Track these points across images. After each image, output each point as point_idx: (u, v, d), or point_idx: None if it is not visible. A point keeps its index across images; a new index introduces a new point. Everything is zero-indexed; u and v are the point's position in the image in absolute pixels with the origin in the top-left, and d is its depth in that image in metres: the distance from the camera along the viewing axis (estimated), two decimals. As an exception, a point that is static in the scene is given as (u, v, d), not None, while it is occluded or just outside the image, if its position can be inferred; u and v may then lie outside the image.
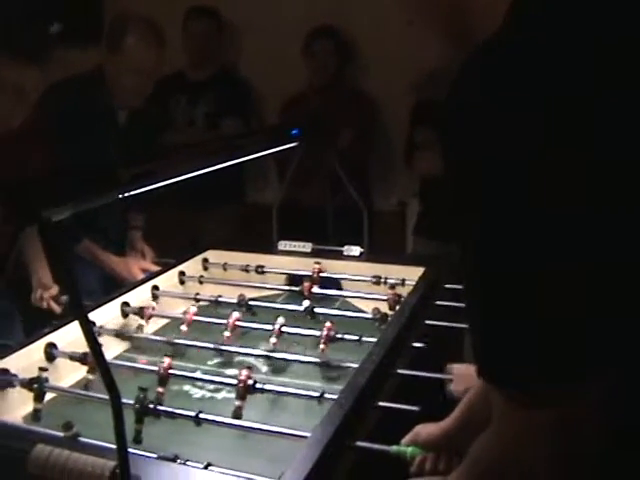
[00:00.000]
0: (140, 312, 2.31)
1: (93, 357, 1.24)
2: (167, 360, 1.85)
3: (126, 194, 1.42)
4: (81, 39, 4.65)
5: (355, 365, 1.83)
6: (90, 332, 1.24)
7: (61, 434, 1.52)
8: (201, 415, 1.61)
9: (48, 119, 2.71)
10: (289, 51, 4.17)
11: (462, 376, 1.76)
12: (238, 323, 2.18)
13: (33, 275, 2.56)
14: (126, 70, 2.79)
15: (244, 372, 1.75)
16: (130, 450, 1.24)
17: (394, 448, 1.48)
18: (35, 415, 1.78)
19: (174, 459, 1.44)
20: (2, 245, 2.08)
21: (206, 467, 1.41)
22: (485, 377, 0.98)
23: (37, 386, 1.78)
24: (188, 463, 1.44)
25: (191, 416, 1.61)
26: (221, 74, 4.27)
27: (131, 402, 1.63)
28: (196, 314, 2.28)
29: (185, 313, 2.32)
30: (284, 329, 2.13)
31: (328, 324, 2.08)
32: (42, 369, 1.83)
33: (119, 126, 2.98)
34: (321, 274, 2.63)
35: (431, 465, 1.45)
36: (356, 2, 4.12)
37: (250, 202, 4.32)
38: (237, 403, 1.72)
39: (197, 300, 2.50)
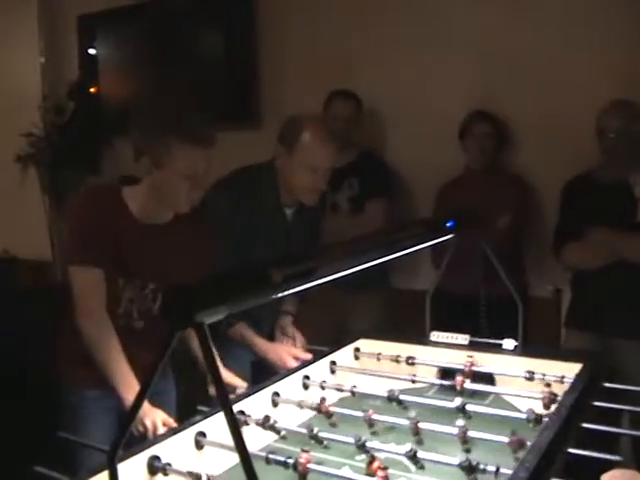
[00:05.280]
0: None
1: (236, 449, 1.23)
2: (305, 456, 1.85)
3: (279, 294, 1.44)
4: (237, 121, 4.87)
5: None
6: (234, 424, 1.25)
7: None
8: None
9: (216, 212, 2.81)
10: (433, 136, 4.20)
11: None
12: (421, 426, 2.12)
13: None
14: (302, 167, 2.82)
15: (380, 472, 1.72)
16: None
17: None
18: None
19: None
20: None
21: None
22: None
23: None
24: None
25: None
26: (363, 157, 4.30)
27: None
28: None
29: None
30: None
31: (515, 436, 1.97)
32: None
33: (287, 224, 3.04)
34: (474, 368, 2.57)
35: None
36: (509, 87, 4.12)
37: (399, 288, 4.30)
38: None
39: (353, 393, 2.48)
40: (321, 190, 2.89)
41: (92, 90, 5.56)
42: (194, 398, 2.43)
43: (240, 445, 1.23)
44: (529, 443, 1.92)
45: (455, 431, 2.05)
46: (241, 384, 2.46)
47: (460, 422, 2.08)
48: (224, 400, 1.30)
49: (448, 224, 2.30)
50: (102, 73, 5.68)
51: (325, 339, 2.95)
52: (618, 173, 3.39)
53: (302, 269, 1.46)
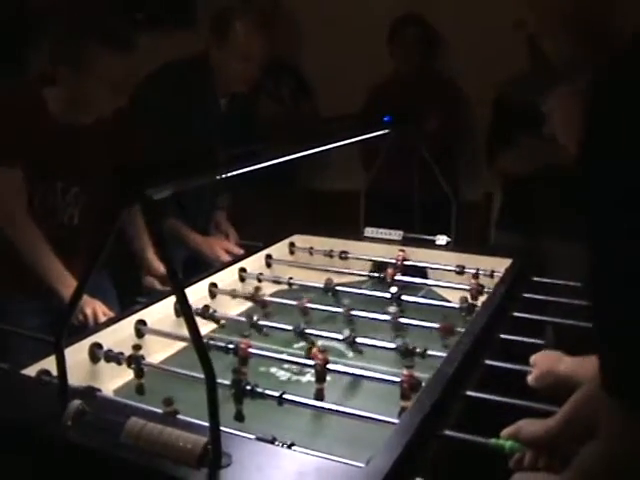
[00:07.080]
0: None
1: (189, 333, 1.24)
2: (244, 341, 1.89)
3: (224, 175, 1.45)
4: (170, 24, 4.76)
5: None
6: (187, 306, 1.27)
7: (154, 409, 1.55)
8: (285, 396, 1.61)
9: (149, 104, 2.77)
10: (357, 41, 4.19)
11: (539, 363, 1.75)
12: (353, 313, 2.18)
13: (142, 261, 2.63)
14: (234, 57, 2.84)
15: (319, 355, 1.77)
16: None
17: (492, 441, 1.44)
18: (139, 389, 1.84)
19: (272, 441, 1.42)
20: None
21: (289, 447, 1.40)
22: (608, 388, 0.95)
23: (135, 365, 1.85)
24: (276, 443, 1.42)
25: (275, 396, 1.61)
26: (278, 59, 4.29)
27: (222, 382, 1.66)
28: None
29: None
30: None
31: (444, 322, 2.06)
32: (136, 347, 1.89)
33: (221, 113, 3.03)
34: (405, 262, 2.63)
35: (530, 463, 1.41)
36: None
37: (335, 189, 4.33)
38: (317, 386, 1.75)
39: (290, 285, 2.53)
40: (254, 79, 2.90)
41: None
42: (132, 293, 2.45)
43: (193, 328, 1.24)
44: (459, 329, 2.00)
45: (388, 318, 2.11)
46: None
47: (392, 309, 2.15)
48: (174, 279, 1.30)
49: (385, 119, 2.32)
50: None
51: (258, 236, 2.97)
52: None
53: (247, 151, 1.47)
